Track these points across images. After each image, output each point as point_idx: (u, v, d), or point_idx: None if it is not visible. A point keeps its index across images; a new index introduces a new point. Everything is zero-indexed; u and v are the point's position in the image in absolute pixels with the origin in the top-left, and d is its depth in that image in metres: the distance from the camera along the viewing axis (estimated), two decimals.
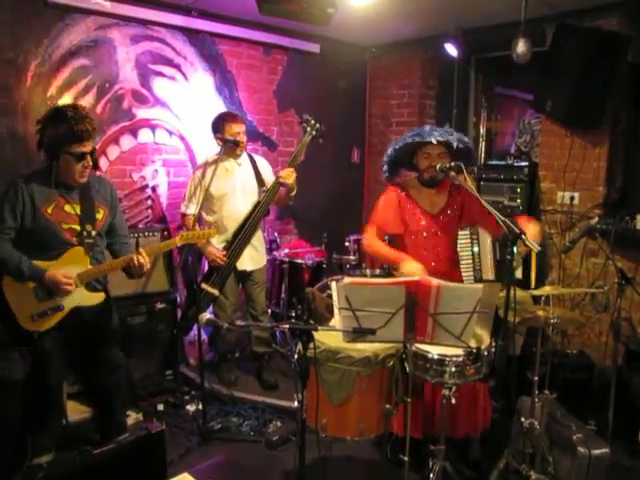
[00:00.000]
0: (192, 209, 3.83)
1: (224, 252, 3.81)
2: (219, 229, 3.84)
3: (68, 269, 2.72)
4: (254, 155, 4.10)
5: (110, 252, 3.00)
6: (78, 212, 2.78)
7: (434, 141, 2.94)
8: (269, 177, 3.99)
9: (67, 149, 2.65)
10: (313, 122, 3.88)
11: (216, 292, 3.84)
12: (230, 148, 3.80)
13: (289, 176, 3.77)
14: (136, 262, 2.78)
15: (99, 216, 2.86)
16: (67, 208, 2.76)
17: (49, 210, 2.70)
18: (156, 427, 1.90)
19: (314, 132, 3.88)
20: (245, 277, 4.01)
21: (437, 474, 2.62)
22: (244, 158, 3.97)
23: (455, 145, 2.97)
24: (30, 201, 2.67)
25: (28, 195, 2.66)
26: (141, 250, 2.81)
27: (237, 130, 3.79)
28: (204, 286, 3.83)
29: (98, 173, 2.87)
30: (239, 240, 3.82)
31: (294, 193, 3.91)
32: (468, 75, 5.42)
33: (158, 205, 4.37)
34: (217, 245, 3.86)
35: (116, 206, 2.99)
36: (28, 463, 2.89)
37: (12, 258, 2.64)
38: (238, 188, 3.90)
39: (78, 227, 2.77)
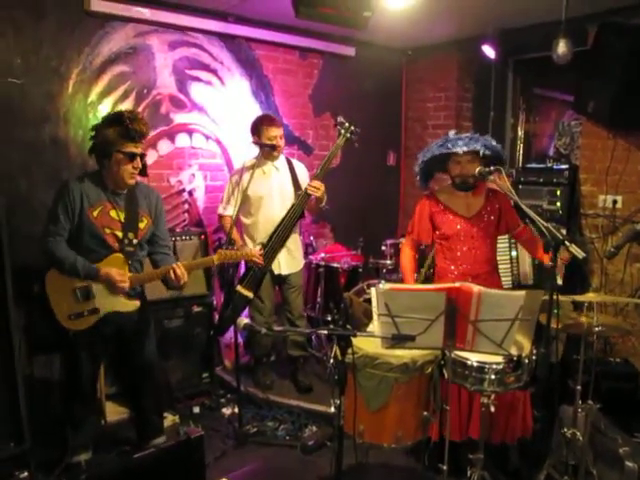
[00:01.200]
0: (230, 211, 3.85)
1: (261, 251, 3.80)
2: (256, 231, 3.89)
3: None
4: (292, 160, 4.10)
5: (151, 261, 3.04)
6: (122, 219, 2.83)
7: (460, 151, 2.93)
8: (307, 181, 3.99)
9: (120, 148, 2.72)
10: (347, 124, 3.84)
11: (250, 294, 3.84)
12: (267, 152, 3.82)
13: (317, 190, 3.74)
14: (172, 275, 2.83)
15: (142, 225, 2.91)
16: (112, 213, 2.81)
17: (95, 213, 2.77)
18: (196, 432, 1.91)
19: (348, 134, 3.85)
20: (281, 281, 4.02)
21: None
22: (282, 162, 3.98)
23: (482, 152, 2.95)
24: (79, 202, 2.74)
25: (78, 196, 2.74)
26: (179, 264, 2.85)
27: (274, 134, 3.80)
28: (238, 288, 3.84)
29: (145, 181, 2.91)
30: (273, 242, 3.81)
31: (324, 203, 3.90)
32: (506, 77, 5.34)
33: (195, 209, 4.41)
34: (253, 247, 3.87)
35: (160, 217, 3.03)
36: (67, 460, 2.95)
37: (68, 257, 2.72)
38: (275, 192, 3.91)
39: (120, 234, 2.82)
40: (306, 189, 3.78)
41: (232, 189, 3.87)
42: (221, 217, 3.98)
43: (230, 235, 3.73)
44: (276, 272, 3.94)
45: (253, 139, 3.84)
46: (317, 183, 3.76)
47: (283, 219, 3.83)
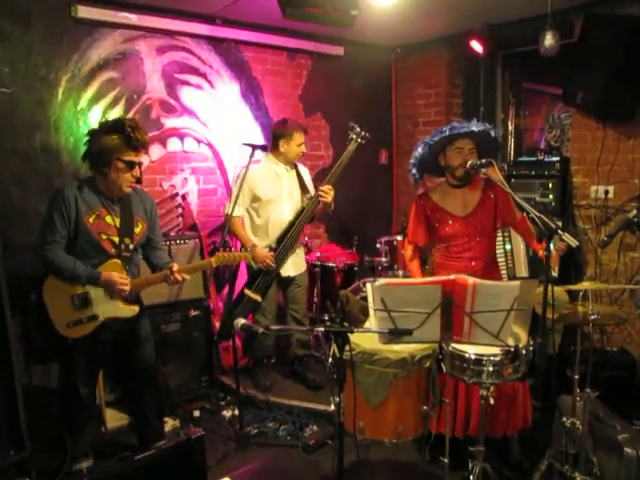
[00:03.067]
0: (238, 211, 3.77)
1: (272, 253, 3.78)
2: (263, 233, 3.88)
3: None
4: (298, 164, 4.09)
5: (147, 263, 3.05)
6: (117, 224, 2.83)
7: (475, 129, 2.90)
8: (310, 184, 4.02)
9: (120, 156, 2.71)
10: (358, 129, 3.83)
11: (259, 298, 3.84)
12: (291, 157, 3.85)
13: (328, 194, 3.75)
14: (172, 280, 2.85)
15: (137, 230, 2.91)
16: (108, 219, 2.81)
17: (90, 220, 2.76)
18: (196, 433, 1.91)
19: (359, 139, 3.85)
20: (288, 282, 4.02)
21: (477, 476, 2.57)
22: (291, 167, 3.99)
23: (493, 134, 2.96)
24: (75, 209, 2.73)
25: (74, 202, 2.73)
26: (180, 269, 2.86)
27: (303, 140, 3.85)
28: (247, 292, 3.83)
29: (139, 186, 2.91)
30: (283, 246, 3.81)
31: (332, 208, 3.90)
32: (495, 71, 5.35)
33: (189, 213, 4.41)
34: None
35: (155, 221, 3.04)
36: (68, 469, 2.94)
37: (67, 264, 2.71)
38: (285, 194, 3.91)
39: (117, 239, 2.82)
40: (317, 192, 3.79)
41: (239, 187, 3.73)
42: (229, 217, 3.75)
43: (241, 236, 3.75)
44: (284, 274, 3.93)
45: (278, 142, 3.82)
46: (328, 188, 3.76)
47: (293, 223, 3.83)
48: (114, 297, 2.81)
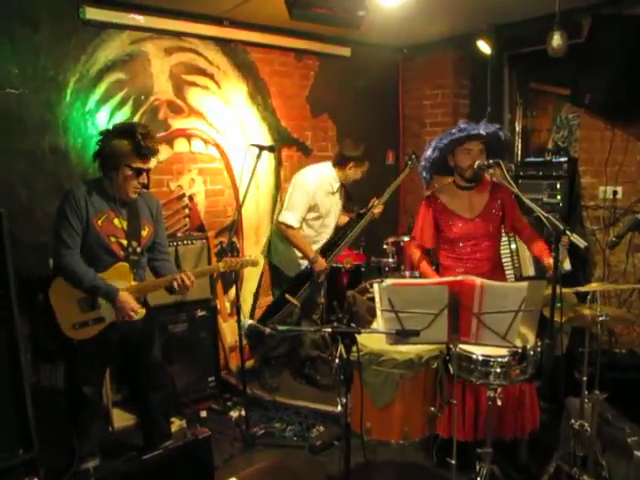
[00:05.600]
0: (299, 222, 3.86)
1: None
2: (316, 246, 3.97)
3: (113, 283, 2.77)
4: None
5: (150, 268, 3.03)
6: (125, 227, 2.83)
7: (483, 131, 2.89)
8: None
9: (129, 163, 2.71)
10: (414, 157, 3.95)
11: (298, 304, 3.88)
12: (347, 179, 3.95)
13: (379, 214, 3.94)
14: (179, 284, 2.83)
15: (144, 233, 2.91)
16: (116, 222, 2.81)
17: (99, 222, 2.76)
18: (203, 432, 1.92)
19: (410, 163, 3.97)
20: None
21: (484, 477, 2.57)
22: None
23: (502, 136, 2.95)
24: (85, 210, 2.73)
25: (84, 204, 2.73)
26: (188, 273, 2.85)
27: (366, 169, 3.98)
28: (289, 298, 3.86)
29: (145, 190, 2.91)
30: (331, 258, 3.92)
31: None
32: (501, 72, 5.33)
33: (196, 213, 4.42)
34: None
35: (160, 224, 3.04)
36: (75, 468, 2.95)
37: (87, 274, 2.70)
38: (334, 209, 4.02)
39: (125, 242, 2.82)
40: (373, 214, 3.92)
41: (303, 198, 3.84)
42: (286, 227, 3.86)
43: (303, 247, 3.85)
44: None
45: (346, 164, 3.92)
46: (380, 207, 3.94)
47: (340, 237, 3.95)
48: (119, 317, 2.81)
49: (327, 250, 3.92)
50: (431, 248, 3.31)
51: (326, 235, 4.02)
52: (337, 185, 3.98)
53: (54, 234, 2.75)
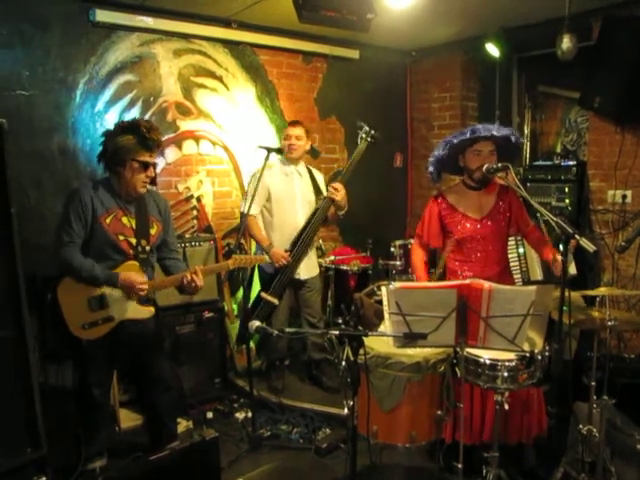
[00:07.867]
0: (254, 209, 3.78)
1: (288, 253, 3.81)
2: (275, 233, 3.90)
3: None
4: (312, 168, 4.14)
5: (161, 267, 3.05)
6: (133, 225, 2.84)
7: (495, 133, 2.88)
8: (324, 188, 4.03)
9: (135, 157, 2.74)
10: (367, 128, 3.84)
11: (276, 301, 3.85)
12: (285, 151, 3.89)
13: (338, 191, 3.77)
14: (189, 280, 2.83)
15: (153, 231, 2.92)
16: (124, 220, 2.83)
17: (107, 221, 2.78)
18: (210, 434, 1.92)
19: (369, 139, 3.86)
20: (300, 285, 4.02)
21: None
22: (303, 169, 4.02)
23: (513, 139, 2.93)
24: (91, 209, 2.74)
25: (89, 203, 2.74)
26: (197, 270, 2.85)
27: (289, 133, 3.89)
28: (264, 295, 3.85)
29: (154, 188, 2.93)
30: (298, 248, 3.83)
31: (343, 212, 3.93)
32: (510, 75, 5.33)
33: (203, 215, 4.43)
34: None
35: (169, 222, 3.05)
36: (82, 468, 2.95)
37: (85, 264, 2.72)
38: (298, 197, 3.94)
39: (134, 240, 2.83)
40: (328, 192, 3.82)
41: (253, 186, 3.72)
42: (244, 216, 3.75)
43: (257, 235, 3.79)
44: (295, 277, 3.94)
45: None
46: (338, 185, 3.79)
47: (307, 225, 3.86)
48: (131, 298, 2.82)
49: (297, 240, 3.85)
50: (436, 248, 3.30)
51: (291, 221, 3.90)
52: (292, 170, 3.94)
53: (55, 233, 2.78)
